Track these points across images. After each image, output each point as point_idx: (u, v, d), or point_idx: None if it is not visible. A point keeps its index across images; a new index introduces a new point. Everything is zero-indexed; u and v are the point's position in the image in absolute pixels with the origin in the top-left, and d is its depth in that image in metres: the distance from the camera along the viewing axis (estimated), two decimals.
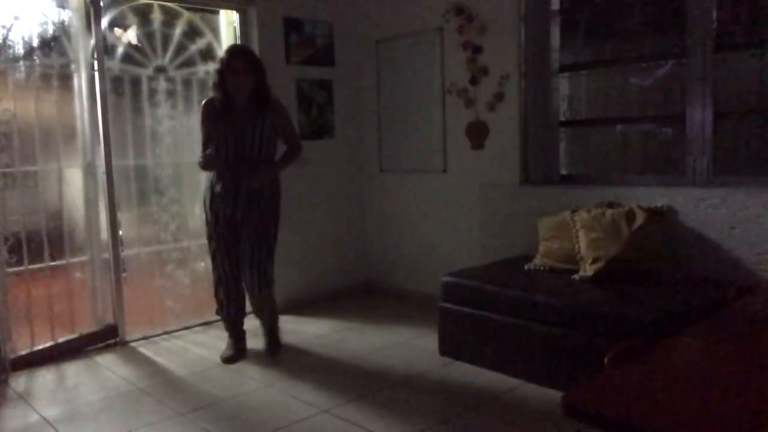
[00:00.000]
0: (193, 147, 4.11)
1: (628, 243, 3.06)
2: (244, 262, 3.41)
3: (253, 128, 3.26)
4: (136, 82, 3.88)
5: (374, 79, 4.67)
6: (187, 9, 4.04)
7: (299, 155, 3.53)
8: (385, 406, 2.82)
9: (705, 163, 3.23)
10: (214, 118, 3.28)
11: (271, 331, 3.62)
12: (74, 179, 3.68)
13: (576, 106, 3.97)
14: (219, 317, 3.66)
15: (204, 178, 3.55)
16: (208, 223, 3.46)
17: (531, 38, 3.83)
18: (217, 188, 3.34)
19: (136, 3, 3.84)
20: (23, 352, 3.44)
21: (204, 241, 4.25)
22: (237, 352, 3.50)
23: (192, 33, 4.08)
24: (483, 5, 3.93)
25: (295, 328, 4.01)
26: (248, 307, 3.64)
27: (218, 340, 3.85)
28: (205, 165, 3.34)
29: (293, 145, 3.51)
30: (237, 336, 3.60)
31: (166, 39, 3.98)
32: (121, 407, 2.90)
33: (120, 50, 3.82)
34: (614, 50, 3.79)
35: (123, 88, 3.84)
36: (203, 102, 3.38)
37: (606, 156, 3.94)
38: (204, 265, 4.26)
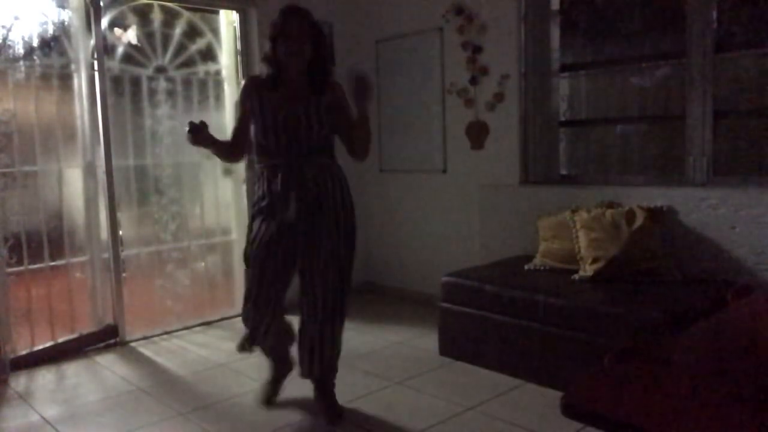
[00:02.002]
0: (193, 147, 4.11)
1: (628, 243, 3.06)
2: (308, 291, 2.66)
3: (307, 109, 2.55)
4: (136, 82, 3.88)
5: (374, 79, 4.66)
6: (187, 9, 4.04)
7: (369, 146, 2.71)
8: (385, 406, 2.81)
9: (705, 163, 3.23)
10: (257, 96, 2.58)
11: (328, 389, 2.79)
12: (74, 179, 3.68)
13: (576, 106, 3.97)
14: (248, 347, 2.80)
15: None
16: (251, 234, 2.64)
17: (531, 38, 3.83)
18: (276, 180, 2.56)
19: (136, 3, 3.84)
20: (23, 352, 3.44)
21: (204, 240, 4.28)
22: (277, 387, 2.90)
23: (192, 33, 4.08)
24: (483, 5, 3.93)
25: (295, 328, 4.00)
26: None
27: (218, 340, 3.85)
28: (197, 139, 2.42)
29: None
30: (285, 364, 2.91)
31: (166, 39, 3.98)
32: (121, 407, 2.90)
33: (120, 50, 3.82)
34: (614, 50, 3.79)
35: (123, 88, 3.84)
36: (246, 79, 2.72)
37: (606, 156, 3.94)
38: (204, 265, 4.26)
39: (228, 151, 2.67)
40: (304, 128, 2.54)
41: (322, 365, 2.68)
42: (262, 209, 2.60)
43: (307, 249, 2.60)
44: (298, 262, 2.63)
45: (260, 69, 2.68)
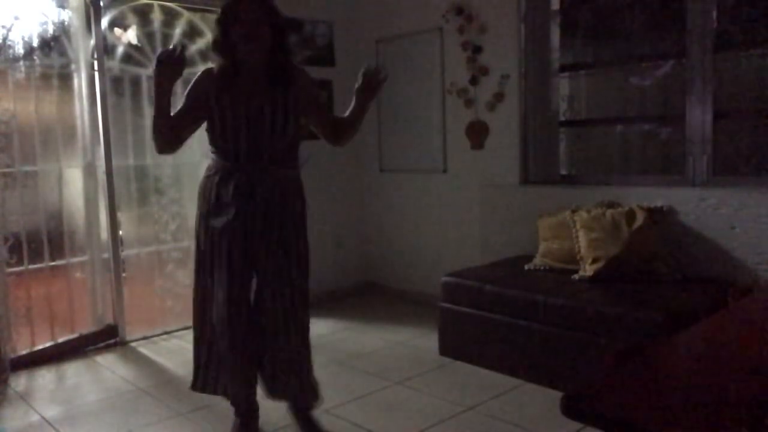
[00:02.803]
0: (193, 147, 4.11)
1: (628, 243, 3.06)
2: (264, 311, 2.38)
3: (272, 106, 2.25)
4: (136, 82, 3.88)
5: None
6: (187, 9, 4.03)
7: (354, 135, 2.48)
8: (385, 406, 2.81)
9: (705, 163, 3.23)
10: (214, 94, 2.24)
11: (310, 419, 2.55)
12: (74, 179, 3.68)
13: (576, 106, 3.97)
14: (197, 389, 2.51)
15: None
16: (200, 244, 2.36)
17: (531, 38, 3.83)
18: (228, 188, 2.26)
19: (136, 3, 3.84)
20: (23, 352, 3.44)
21: None
22: None
23: (192, 33, 4.08)
24: (483, 5, 3.93)
25: None
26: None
27: None
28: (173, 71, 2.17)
29: (336, 120, 2.46)
30: (253, 412, 2.53)
31: (166, 39, 3.97)
32: (121, 407, 2.90)
33: (120, 50, 3.82)
34: (614, 50, 3.79)
35: (123, 88, 3.83)
36: (201, 72, 2.35)
37: (606, 156, 3.94)
38: None
39: (166, 127, 2.25)
40: (267, 131, 2.25)
41: (300, 383, 2.45)
42: (213, 223, 2.29)
43: (260, 266, 2.34)
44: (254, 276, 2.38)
45: (213, 61, 2.34)
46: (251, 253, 2.32)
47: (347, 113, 2.42)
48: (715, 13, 3.17)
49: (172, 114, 2.27)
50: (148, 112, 3.93)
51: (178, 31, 4.01)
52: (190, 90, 2.32)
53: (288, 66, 2.31)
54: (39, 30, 3.48)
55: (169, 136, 2.27)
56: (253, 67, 2.26)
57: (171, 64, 2.14)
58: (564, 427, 2.34)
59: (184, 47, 2.17)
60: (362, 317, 4.20)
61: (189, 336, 3.93)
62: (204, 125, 2.35)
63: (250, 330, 2.36)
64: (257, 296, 2.38)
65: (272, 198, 2.29)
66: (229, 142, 2.25)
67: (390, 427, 2.61)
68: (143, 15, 3.90)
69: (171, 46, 2.18)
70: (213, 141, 2.32)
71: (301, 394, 2.48)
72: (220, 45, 2.25)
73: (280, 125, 2.27)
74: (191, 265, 4.11)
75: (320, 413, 2.73)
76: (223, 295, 2.30)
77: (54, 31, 3.55)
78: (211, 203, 2.31)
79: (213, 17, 4.10)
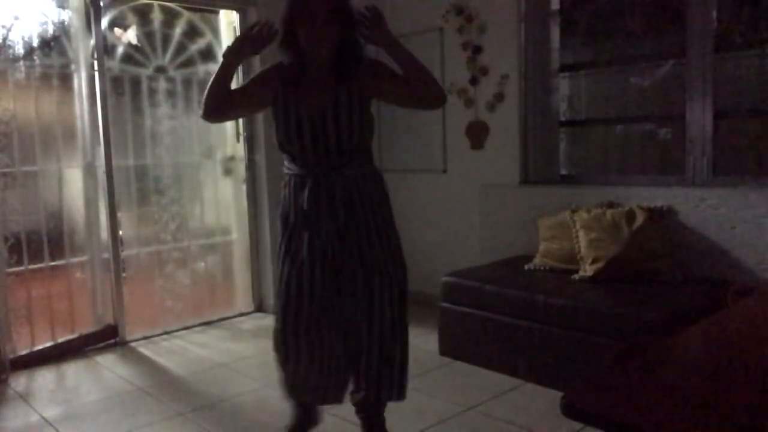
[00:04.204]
0: (193, 147, 4.12)
1: (628, 243, 3.06)
2: (359, 338, 2.28)
3: (336, 106, 2.11)
4: (136, 82, 3.88)
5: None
6: (187, 9, 4.04)
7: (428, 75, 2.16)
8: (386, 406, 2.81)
9: (705, 163, 3.23)
10: (282, 90, 2.15)
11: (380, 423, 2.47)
12: (74, 179, 3.68)
13: (576, 106, 3.97)
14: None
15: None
16: (284, 261, 2.23)
17: (531, 38, 3.83)
18: (302, 200, 2.17)
19: (136, 3, 3.84)
20: (23, 352, 3.44)
21: (204, 240, 4.28)
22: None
23: (192, 33, 4.08)
24: (483, 5, 3.93)
25: None
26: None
27: (218, 340, 3.85)
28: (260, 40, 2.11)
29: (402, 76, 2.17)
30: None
31: (166, 39, 3.98)
32: (121, 407, 2.90)
33: (120, 50, 3.82)
34: (614, 50, 3.79)
35: (123, 88, 3.84)
36: (272, 65, 2.22)
37: (606, 156, 3.94)
38: (204, 265, 4.26)
39: (224, 92, 2.14)
40: (332, 132, 2.11)
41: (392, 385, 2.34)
42: (292, 237, 2.21)
43: (349, 283, 2.25)
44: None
45: (280, 56, 2.20)
46: (342, 262, 2.24)
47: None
48: (715, 13, 3.17)
49: (237, 88, 2.24)
50: (149, 112, 3.94)
51: (178, 31, 4.02)
52: (256, 76, 2.25)
53: (358, 60, 2.18)
54: (39, 30, 3.48)
55: (222, 98, 2.15)
56: (321, 65, 2.14)
57: (254, 38, 2.11)
58: (564, 427, 2.34)
59: (273, 27, 2.10)
60: None
61: (189, 336, 3.97)
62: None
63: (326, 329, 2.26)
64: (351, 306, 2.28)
65: (347, 200, 2.19)
66: (294, 144, 2.14)
67: (390, 427, 2.60)
68: (143, 15, 3.90)
69: (260, 24, 2.11)
70: (279, 142, 2.19)
71: (387, 385, 2.34)
72: (286, 44, 2.13)
73: (345, 127, 2.12)
74: (191, 264, 4.15)
75: (319, 413, 2.73)
76: (324, 321, 2.22)
77: (54, 31, 3.55)
78: (291, 208, 2.21)
79: (213, 17, 4.16)
